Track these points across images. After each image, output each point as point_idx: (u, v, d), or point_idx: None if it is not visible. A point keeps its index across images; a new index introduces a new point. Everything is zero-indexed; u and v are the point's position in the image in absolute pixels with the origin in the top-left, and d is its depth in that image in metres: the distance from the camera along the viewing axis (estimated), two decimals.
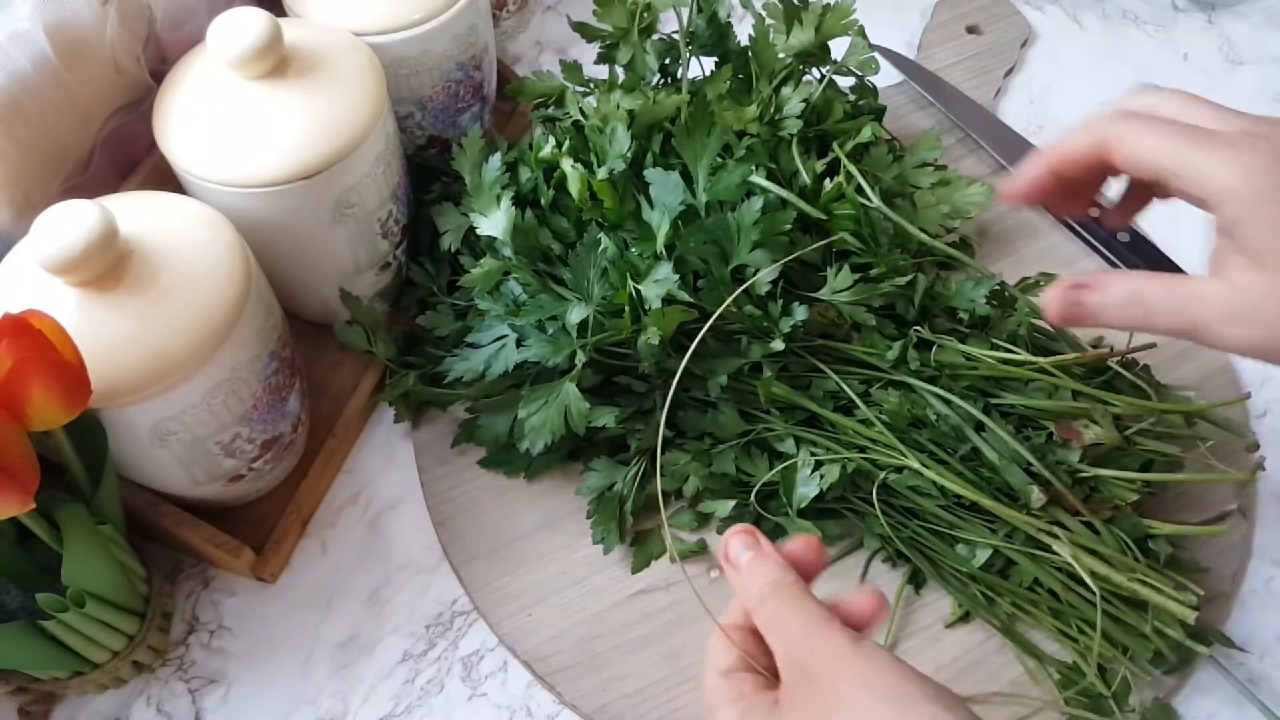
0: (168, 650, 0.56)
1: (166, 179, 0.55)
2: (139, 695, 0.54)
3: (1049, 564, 0.53)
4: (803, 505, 0.55)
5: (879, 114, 0.67)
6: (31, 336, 0.40)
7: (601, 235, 0.55)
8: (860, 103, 0.67)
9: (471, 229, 0.59)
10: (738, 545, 0.38)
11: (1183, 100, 0.40)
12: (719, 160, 0.56)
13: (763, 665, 0.37)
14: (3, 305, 0.42)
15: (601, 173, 0.56)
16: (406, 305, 0.65)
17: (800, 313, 0.55)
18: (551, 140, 0.60)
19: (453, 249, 0.61)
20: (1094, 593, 0.50)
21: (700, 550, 0.58)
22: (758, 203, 0.54)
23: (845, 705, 0.33)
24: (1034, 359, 0.55)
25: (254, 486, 0.56)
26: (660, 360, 0.55)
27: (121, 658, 0.52)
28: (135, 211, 0.48)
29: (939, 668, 0.54)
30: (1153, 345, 0.56)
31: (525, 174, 0.60)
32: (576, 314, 0.54)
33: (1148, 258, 0.67)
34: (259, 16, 0.50)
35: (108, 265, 0.44)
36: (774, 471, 0.56)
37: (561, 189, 0.58)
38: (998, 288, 0.60)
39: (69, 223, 0.43)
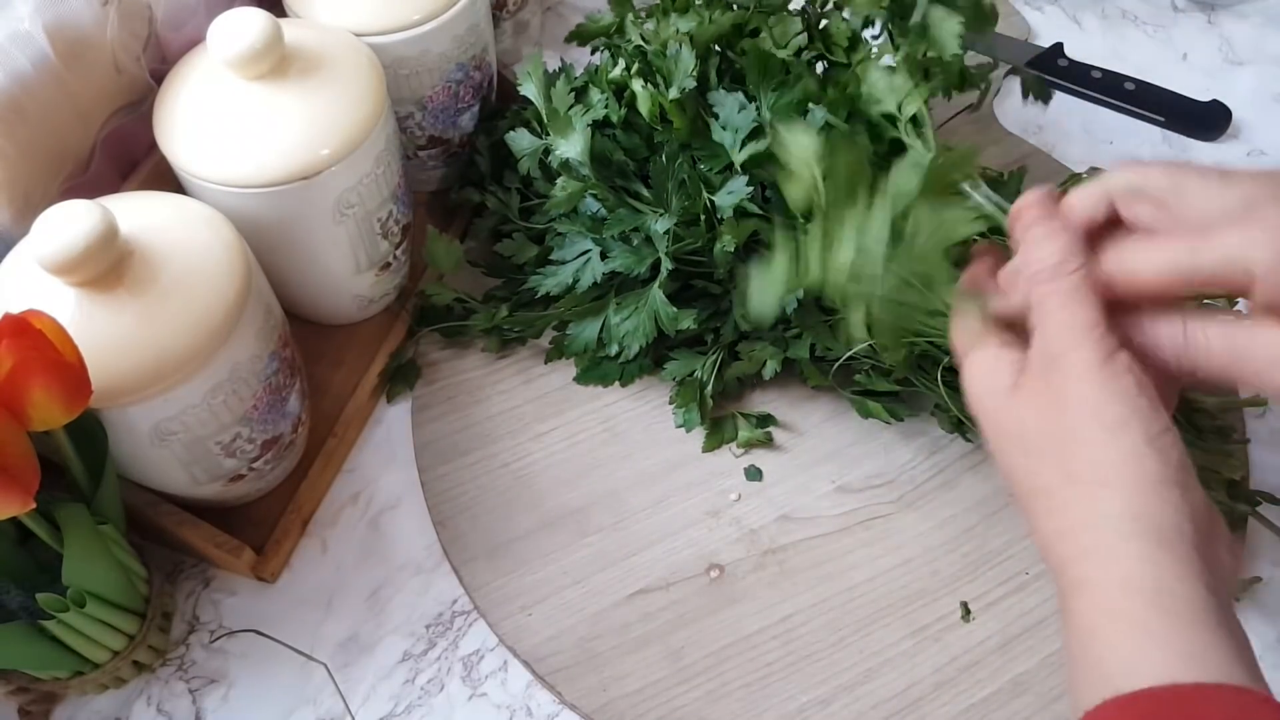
0: (168, 650, 0.56)
1: (167, 179, 0.55)
2: (139, 695, 0.54)
3: None
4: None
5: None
6: (32, 336, 0.40)
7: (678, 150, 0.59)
8: None
9: (542, 154, 0.63)
10: (1032, 207, 0.37)
11: (1168, 175, 0.38)
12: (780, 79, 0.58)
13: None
14: (3, 305, 0.42)
15: (672, 92, 0.58)
16: (476, 233, 0.68)
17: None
18: (621, 62, 0.62)
19: (529, 173, 0.63)
20: None
21: (766, 441, 0.61)
22: (818, 117, 0.56)
23: (1070, 417, 0.34)
24: None
25: (254, 486, 0.56)
26: (734, 266, 0.59)
27: (122, 657, 0.52)
28: (135, 212, 0.48)
29: (938, 667, 0.54)
30: None
31: (595, 96, 0.61)
32: (660, 224, 0.57)
33: None
34: (259, 17, 0.50)
35: (108, 265, 0.45)
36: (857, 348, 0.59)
37: (631, 108, 0.61)
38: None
39: (69, 223, 0.43)
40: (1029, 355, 0.36)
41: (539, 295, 0.62)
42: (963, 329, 0.39)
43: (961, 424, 0.60)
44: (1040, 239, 0.36)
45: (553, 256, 0.61)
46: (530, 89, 0.62)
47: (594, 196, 0.60)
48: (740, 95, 0.58)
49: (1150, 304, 0.37)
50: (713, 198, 0.57)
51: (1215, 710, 0.30)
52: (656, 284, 0.59)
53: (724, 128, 0.58)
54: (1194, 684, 0.30)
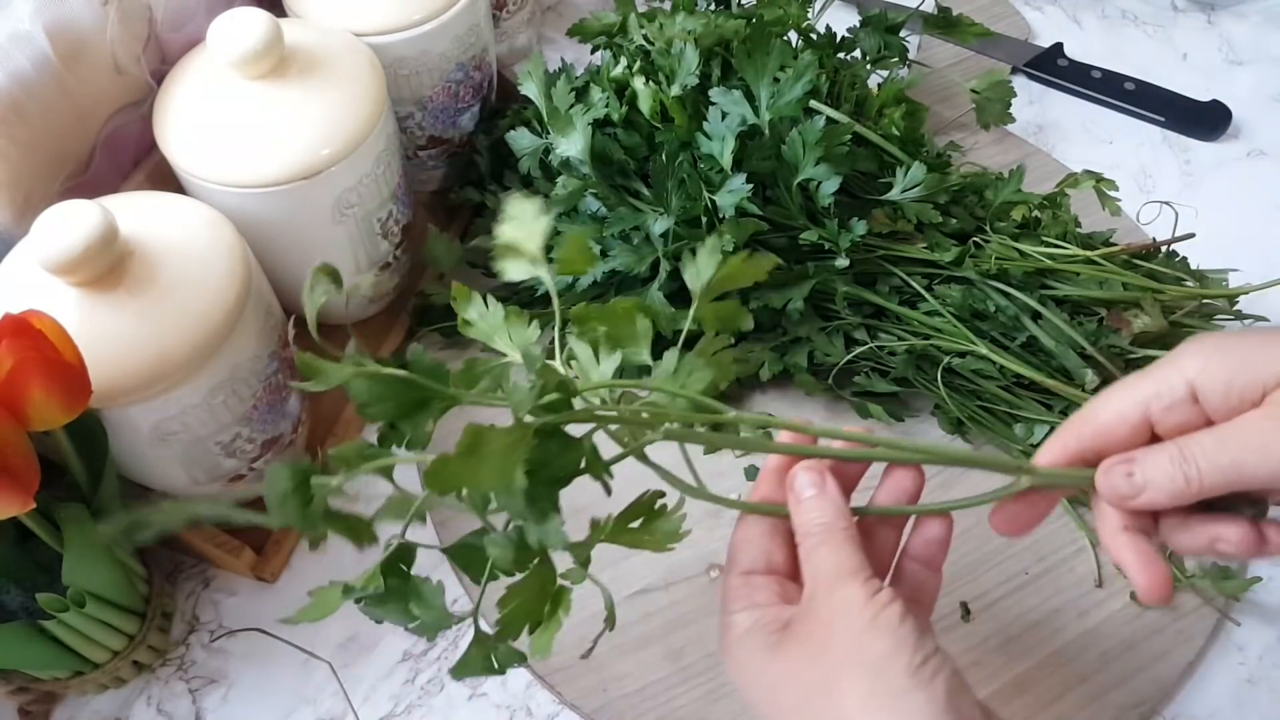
0: (168, 650, 0.56)
1: (167, 179, 0.55)
2: (139, 695, 0.54)
3: None
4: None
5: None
6: (32, 337, 0.40)
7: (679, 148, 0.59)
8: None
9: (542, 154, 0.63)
10: (804, 481, 0.39)
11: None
12: (779, 77, 0.59)
13: (783, 570, 0.39)
14: (3, 305, 0.42)
15: (674, 89, 0.59)
16: (476, 233, 0.68)
17: (859, 228, 0.58)
18: (623, 60, 0.62)
19: (530, 172, 0.63)
20: None
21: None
22: (820, 120, 0.57)
23: (837, 654, 0.34)
24: (1082, 252, 0.59)
25: (255, 486, 0.56)
26: None
27: (122, 657, 0.52)
28: (136, 212, 0.48)
29: None
30: (1192, 235, 0.61)
31: (595, 94, 0.62)
32: (659, 225, 0.57)
33: None
34: (259, 17, 0.50)
35: (108, 265, 0.45)
36: (852, 354, 0.60)
37: (632, 107, 0.61)
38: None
39: (70, 223, 0.43)
40: (803, 598, 0.37)
41: (538, 295, 0.62)
42: (732, 586, 0.39)
43: (961, 424, 0.60)
44: (810, 504, 0.38)
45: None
46: (531, 88, 0.62)
47: (594, 195, 0.60)
48: (739, 92, 0.58)
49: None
50: (713, 197, 0.57)
51: None
52: (655, 285, 0.59)
53: (721, 120, 0.58)
54: None
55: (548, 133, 0.61)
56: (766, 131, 0.58)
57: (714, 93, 0.59)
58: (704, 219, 0.57)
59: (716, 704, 0.53)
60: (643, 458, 0.37)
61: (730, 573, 0.39)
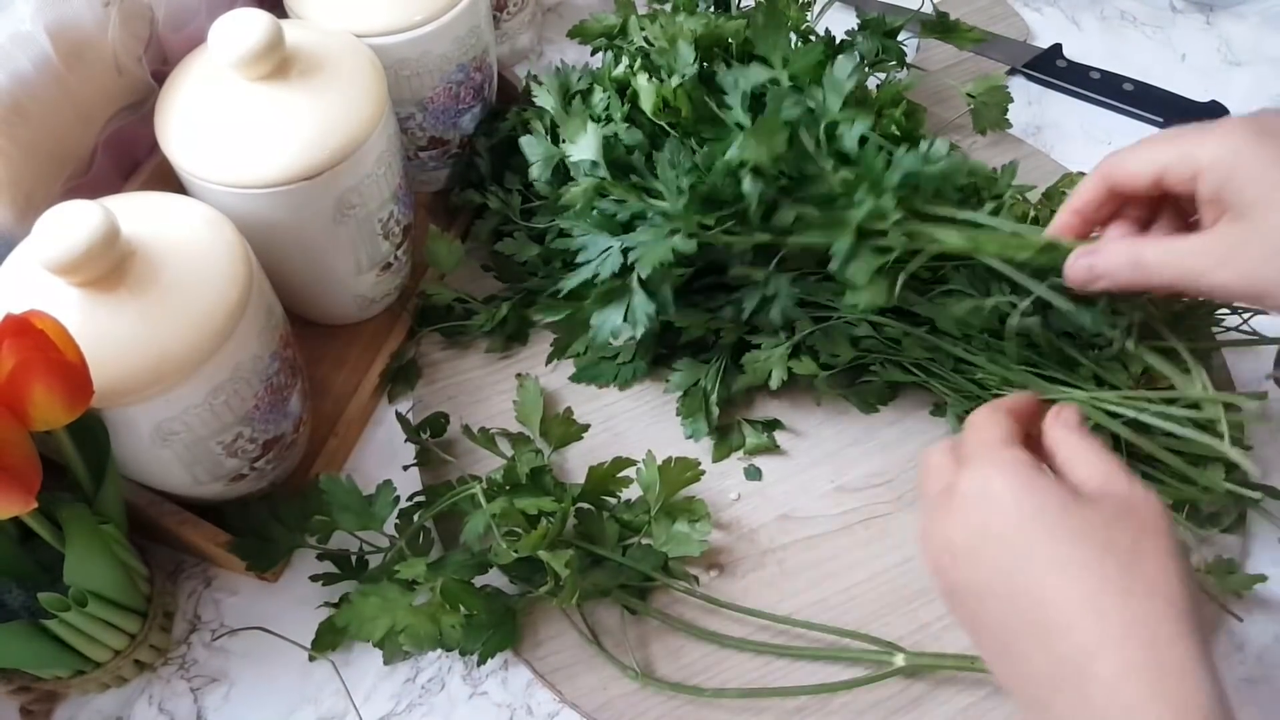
0: (169, 649, 0.56)
1: (168, 180, 0.55)
2: (141, 694, 0.55)
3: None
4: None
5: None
6: (34, 337, 0.40)
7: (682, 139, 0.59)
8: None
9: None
10: (1071, 413, 0.42)
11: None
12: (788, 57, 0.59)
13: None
14: (5, 306, 0.43)
15: (674, 79, 0.59)
16: (480, 236, 0.69)
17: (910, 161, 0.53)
18: (624, 60, 0.62)
19: (544, 179, 0.63)
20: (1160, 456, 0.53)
21: (774, 447, 0.62)
22: (850, 62, 0.56)
23: (1150, 535, 0.36)
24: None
25: (256, 486, 0.56)
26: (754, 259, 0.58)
27: (123, 657, 0.52)
28: (137, 212, 0.48)
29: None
30: None
31: (598, 94, 0.62)
32: (674, 203, 0.56)
33: None
34: (260, 18, 0.51)
35: (110, 266, 0.45)
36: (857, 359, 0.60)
37: (634, 106, 0.61)
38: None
39: (71, 223, 0.43)
40: (1074, 475, 0.40)
41: (562, 295, 0.61)
42: (993, 424, 0.41)
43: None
44: (1067, 414, 0.42)
45: (579, 259, 0.59)
46: (548, 100, 0.63)
47: (608, 196, 0.59)
48: (755, 65, 0.58)
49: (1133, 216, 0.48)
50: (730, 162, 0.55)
51: None
52: (673, 241, 0.55)
53: (733, 92, 0.58)
54: None
55: (560, 141, 0.61)
56: (786, 82, 0.57)
57: (723, 75, 0.58)
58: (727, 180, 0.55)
59: (717, 703, 0.54)
60: None
61: (1003, 423, 0.41)
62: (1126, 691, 0.33)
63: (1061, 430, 0.41)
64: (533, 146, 0.63)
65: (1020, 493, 0.37)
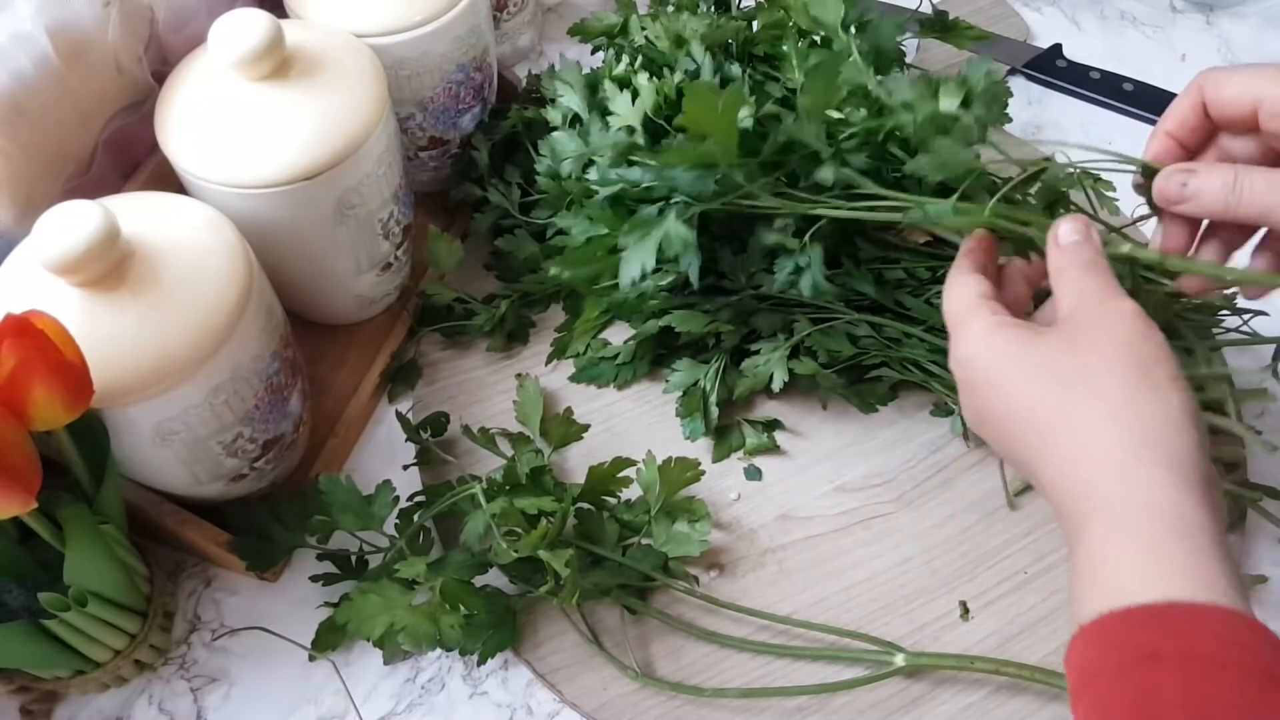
0: (170, 649, 0.56)
1: (168, 180, 0.55)
2: (141, 694, 0.55)
3: None
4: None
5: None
6: (34, 337, 0.40)
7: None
8: None
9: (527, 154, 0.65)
10: (1069, 229, 0.44)
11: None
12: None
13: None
14: (5, 306, 0.43)
15: (676, 76, 0.59)
16: (477, 231, 0.69)
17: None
18: (625, 59, 0.62)
19: (574, 175, 0.62)
20: None
21: (773, 447, 0.62)
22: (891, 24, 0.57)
23: (1103, 348, 0.39)
24: None
25: (256, 486, 0.56)
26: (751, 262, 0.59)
27: (123, 656, 0.52)
28: (137, 212, 0.48)
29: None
30: None
31: (608, 88, 0.62)
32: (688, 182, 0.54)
33: None
34: (261, 18, 0.51)
35: (110, 266, 0.45)
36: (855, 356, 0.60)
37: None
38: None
39: (71, 223, 0.43)
40: (1060, 318, 0.42)
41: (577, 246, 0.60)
42: (962, 297, 0.45)
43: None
44: (1074, 249, 0.43)
45: (626, 254, 0.55)
46: (574, 98, 0.63)
47: (642, 164, 0.54)
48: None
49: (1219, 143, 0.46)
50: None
51: (1208, 626, 0.33)
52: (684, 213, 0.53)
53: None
54: (1190, 603, 0.34)
55: (586, 139, 0.61)
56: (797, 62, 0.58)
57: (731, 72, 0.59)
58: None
59: (717, 703, 0.54)
60: None
61: (969, 287, 0.44)
62: (1116, 480, 0.37)
63: (1054, 254, 0.44)
64: (564, 143, 0.62)
65: (985, 355, 0.42)
